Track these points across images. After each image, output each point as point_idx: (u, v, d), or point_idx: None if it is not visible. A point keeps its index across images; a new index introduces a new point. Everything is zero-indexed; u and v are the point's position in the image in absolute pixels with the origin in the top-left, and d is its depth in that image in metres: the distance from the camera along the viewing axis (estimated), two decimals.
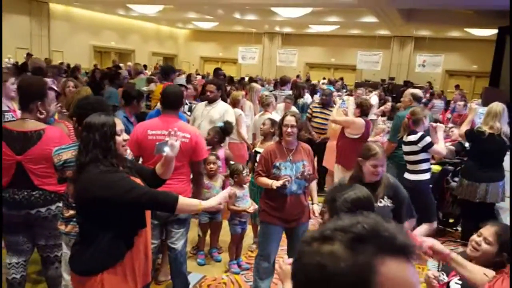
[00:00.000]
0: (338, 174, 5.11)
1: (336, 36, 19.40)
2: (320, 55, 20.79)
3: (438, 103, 8.99)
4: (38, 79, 2.89)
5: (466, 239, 4.43)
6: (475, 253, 2.04)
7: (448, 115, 8.12)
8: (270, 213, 3.20)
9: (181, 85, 4.87)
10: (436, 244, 1.90)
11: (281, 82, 8.09)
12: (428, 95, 9.81)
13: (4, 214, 2.61)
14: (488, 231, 2.04)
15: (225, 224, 3.98)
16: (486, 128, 4.11)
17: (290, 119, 3.13)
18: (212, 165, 3.79)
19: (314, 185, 3.43)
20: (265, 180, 3.15)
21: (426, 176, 4.06)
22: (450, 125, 5.98)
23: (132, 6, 15.48)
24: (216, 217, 3.91)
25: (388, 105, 7.74)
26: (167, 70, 5.56)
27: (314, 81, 13.83)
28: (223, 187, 3.82)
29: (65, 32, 16.24)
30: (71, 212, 2.41)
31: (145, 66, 13.94)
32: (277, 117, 5.34)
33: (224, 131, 4.15)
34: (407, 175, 4.12)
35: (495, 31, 12.92)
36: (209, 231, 4.04)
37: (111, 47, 18.86)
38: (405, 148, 4.14)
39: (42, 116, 2.67)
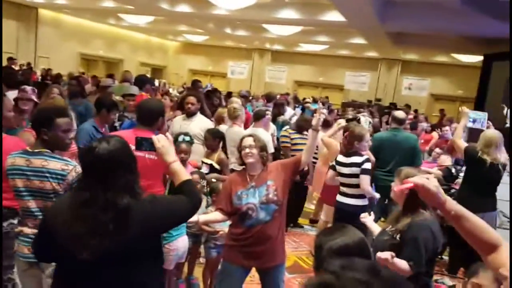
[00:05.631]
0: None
1: (325, 55, 19.56)
2: (309, 74, 20.90)
3: (425, 125, 9.09)
4: None
5: (454, 270, 4.34)
6: None
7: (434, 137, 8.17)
8: (233, 249, 2.82)
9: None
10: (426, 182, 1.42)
11: (267, 99, 8.04)
12: (411, 117, 9.90)
13: None
14: (486, 279, 1.83)
15: None
16: (489, 158, 3.97)
17: (247, 139, 2.85)
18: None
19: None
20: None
21: (365, 201, 4.01)
22: (438, 150, 5.94)
23: (123, 16, 15.39)
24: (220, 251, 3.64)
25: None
26: (141, 80, 5.38)
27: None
28: None
29: (52, 39, 16.04)
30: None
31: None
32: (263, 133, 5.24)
33: (191, 144, 3.82)
34: (347, 200, 4.00)
35: (481, 57, 13.16)
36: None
37: (99, 55, 18.68)
38: (344, 170, 4.02)
39: None
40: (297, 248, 5.03)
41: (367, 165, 3.95)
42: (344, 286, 0.63)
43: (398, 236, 2.35)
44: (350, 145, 4.05)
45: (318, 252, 1.63)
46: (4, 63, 11.79)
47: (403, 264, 2.24)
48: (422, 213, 2.37)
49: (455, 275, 4.24)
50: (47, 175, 2.23)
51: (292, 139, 5.45)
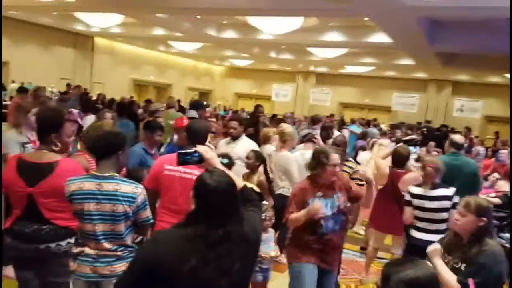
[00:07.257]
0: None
1: (371, 77, 19.34)
2: (354, 95, 20.69)
3: (481, 150, 8.52)
4: (56, 111, 2.85)
5: None
6: None
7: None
8: (307, 251, 2.93)
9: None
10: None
11: (313, 121, 8.02)
12: (467, 141, 9.40)
13: (14, 248, 2.51)
14: None
15: None
16: None
17: (336, 158, 2.91)
18: None
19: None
20: (296, 214, 2.92)
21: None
22: (496, 175, 5.59)
23: (172, 43, 16.03)
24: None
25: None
26: (196, 105, 5.54)
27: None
28: None
29: (107, 65, 16.93)
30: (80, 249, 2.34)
31: (178, 101, 14.21)
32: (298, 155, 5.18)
33: (230, 167, 3.73)
34: (430, 237, 3.48)
35: None
36: None
37: (150, 81, 19.47)
38: (430, 204, 3.59)
39: (57, 148, 2.61)
40: (346, 275, 4.89)
41: (457, 198, 3.52)
42: None
43: (463, 266, 2.29)
44: (439, 175, 3.68)
45: (384, 282, 1.61)
46: (63, 88, 12.53)
47: (450, 276, 2.25)
48: (487, 242, 2.33)
49: None
50: (120, 198, 2.26)
51: None
